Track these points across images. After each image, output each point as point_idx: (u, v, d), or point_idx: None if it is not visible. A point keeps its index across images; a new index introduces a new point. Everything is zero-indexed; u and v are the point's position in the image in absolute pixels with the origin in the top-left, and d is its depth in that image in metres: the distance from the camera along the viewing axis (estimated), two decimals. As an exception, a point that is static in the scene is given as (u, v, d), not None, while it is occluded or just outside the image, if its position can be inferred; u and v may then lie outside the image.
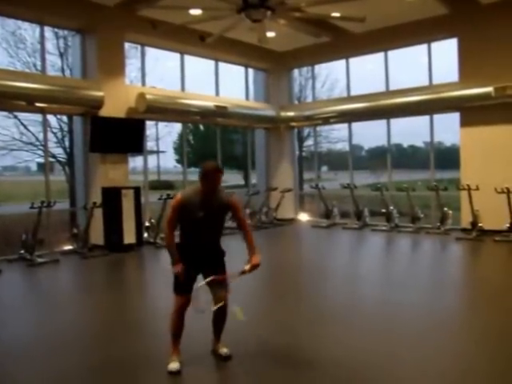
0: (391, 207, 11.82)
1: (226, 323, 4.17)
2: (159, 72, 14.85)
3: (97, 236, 9.80)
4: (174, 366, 3.95)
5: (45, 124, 10.08)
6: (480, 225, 10.26)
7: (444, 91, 11.00)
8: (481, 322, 5.12)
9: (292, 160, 14.62)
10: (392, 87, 12.40)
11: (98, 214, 9.64)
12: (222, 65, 13.15)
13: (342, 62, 13.32)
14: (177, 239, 4.07)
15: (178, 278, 3.97)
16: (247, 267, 3.90)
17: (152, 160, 17.98)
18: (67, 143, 13.49)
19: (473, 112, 10.66)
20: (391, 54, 12.42)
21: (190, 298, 3.98)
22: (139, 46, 11.45)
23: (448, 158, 13.74)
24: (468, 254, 9.41)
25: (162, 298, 5.64)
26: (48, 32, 11.07)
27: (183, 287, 3.96)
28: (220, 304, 3.91)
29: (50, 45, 11.86)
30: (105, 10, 9.81)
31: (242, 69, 13.89)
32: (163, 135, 16.54)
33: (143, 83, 11.42)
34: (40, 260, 8.67)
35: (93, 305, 6.20)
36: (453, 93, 10.81)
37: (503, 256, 8.93)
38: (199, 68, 13.51)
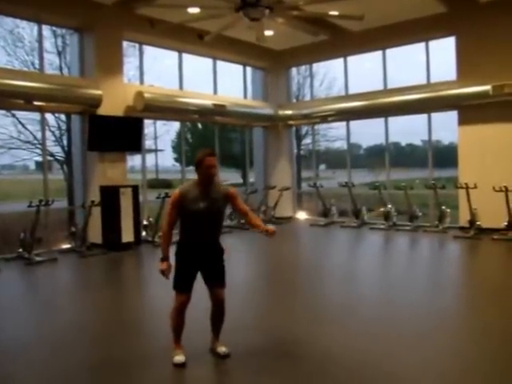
0: (389, 206, 11.83)
1: (223, 322, 4.18)
2: (157, 70, 14.82)
3: (95, 235, 9.79)
4: (179, 358, 3.99)
5: (43, 122, 10.07)
6: (478, 223, 10.26)
7: (442, 89, 11.01)
8: (480, 321, 5.12)
9: (290, 158, 14.63)
10: (390, 85, 12.42)
11: (96, 212, 9.63)
12: (220, 63, 13.14)
13: (340, 60, 13.32)
14: (175, 238, 4.09)
15: (179, 276, 3.97)
16: (270, 229, 3.90)
17: (150, 159, 17.96)
18: (65, 142, 13.49)
19: (471, 110, 10.67)
20: (389, 52, 12.43)
21: (190, 296, 3.99)
22: (137, 45, 11.44)
23: (446, 156, 13.75)
24: (466, 253, 9.42)
25: (160, 297, 5.65)
26: (46, 30, 11.06)
27: (184, 285, 3.97)
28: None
29: (48, 43, 11.87)
30: (103, 8, 9.79)
31: (240, 67, 13.88)
32: (161, 134, 16.50)
33: (141, 82, 11.41)
34: (38, 259, 8.67)
35: (91, 304, 6.20)
36: (451, 91, 10.81)
37: (501, 254, 8.94)
38: (197, 66, 13.52)
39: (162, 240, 4.11)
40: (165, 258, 3.97)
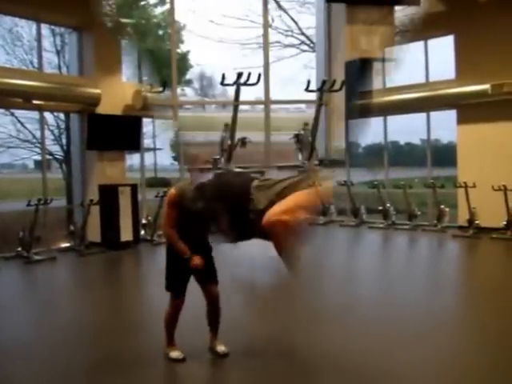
0: (388, 205, 11.82)
1: (220, 321, 4.16)
2: (156, 69, 14.79)
3: (94, 233, 9.78)
4: (177, 354, 4.02)
5: (42, 121, 10.06)
6: (477, 222, 10.24)
7: (441, 88, 10.99)
8: (479, 320, 5.12)
9: (289, 157, 14.62)
10: (389, 84, 12.39)
11: (95, 211, 9.61)
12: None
13: (339, 59, 13.30)
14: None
15: (174, 279, 3.96)
16: None
17: (149, 157, 17.90)
18: (64, 141, 13.44)
19: (470, 109, 10.64)
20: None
21: (184, 298, 4.00)
22: (136, 43, 11.42)
23: (445, 155, 13.74)
24: (465, 252, 9.43)
25: (159, 296, 5.63)
26: (45, 29, 11.02)
27: (179, 290, 3.97)
28: None
29: (46, 42, 11.80)
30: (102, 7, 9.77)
31: (239, 66, 13.88)
32: (160, 132, 16.47)
33: (140, 80, 11.39)
34: (37, 257, 8.66)
35: (90, 303, 6.20)
36: (449, 90, 10.80)
37: (500, 254, 8.95)
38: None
39: (173, 241, 3.94)
40: (191, 254, 3.86)
